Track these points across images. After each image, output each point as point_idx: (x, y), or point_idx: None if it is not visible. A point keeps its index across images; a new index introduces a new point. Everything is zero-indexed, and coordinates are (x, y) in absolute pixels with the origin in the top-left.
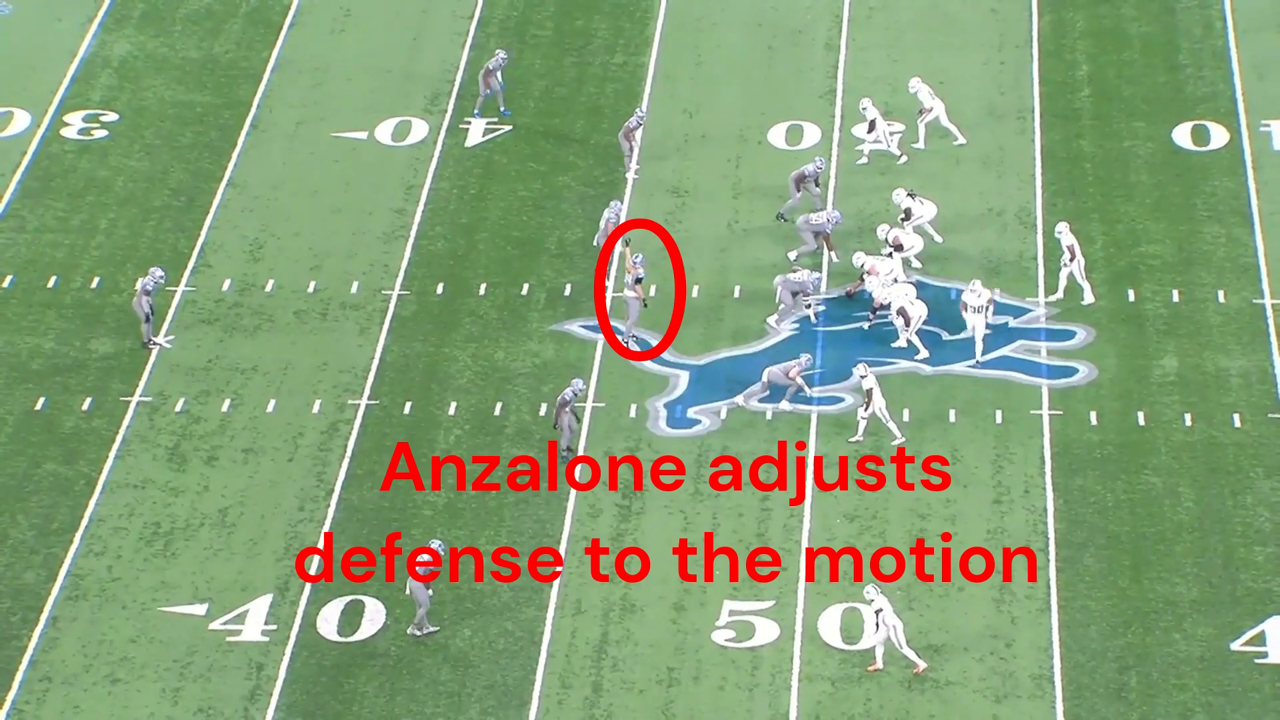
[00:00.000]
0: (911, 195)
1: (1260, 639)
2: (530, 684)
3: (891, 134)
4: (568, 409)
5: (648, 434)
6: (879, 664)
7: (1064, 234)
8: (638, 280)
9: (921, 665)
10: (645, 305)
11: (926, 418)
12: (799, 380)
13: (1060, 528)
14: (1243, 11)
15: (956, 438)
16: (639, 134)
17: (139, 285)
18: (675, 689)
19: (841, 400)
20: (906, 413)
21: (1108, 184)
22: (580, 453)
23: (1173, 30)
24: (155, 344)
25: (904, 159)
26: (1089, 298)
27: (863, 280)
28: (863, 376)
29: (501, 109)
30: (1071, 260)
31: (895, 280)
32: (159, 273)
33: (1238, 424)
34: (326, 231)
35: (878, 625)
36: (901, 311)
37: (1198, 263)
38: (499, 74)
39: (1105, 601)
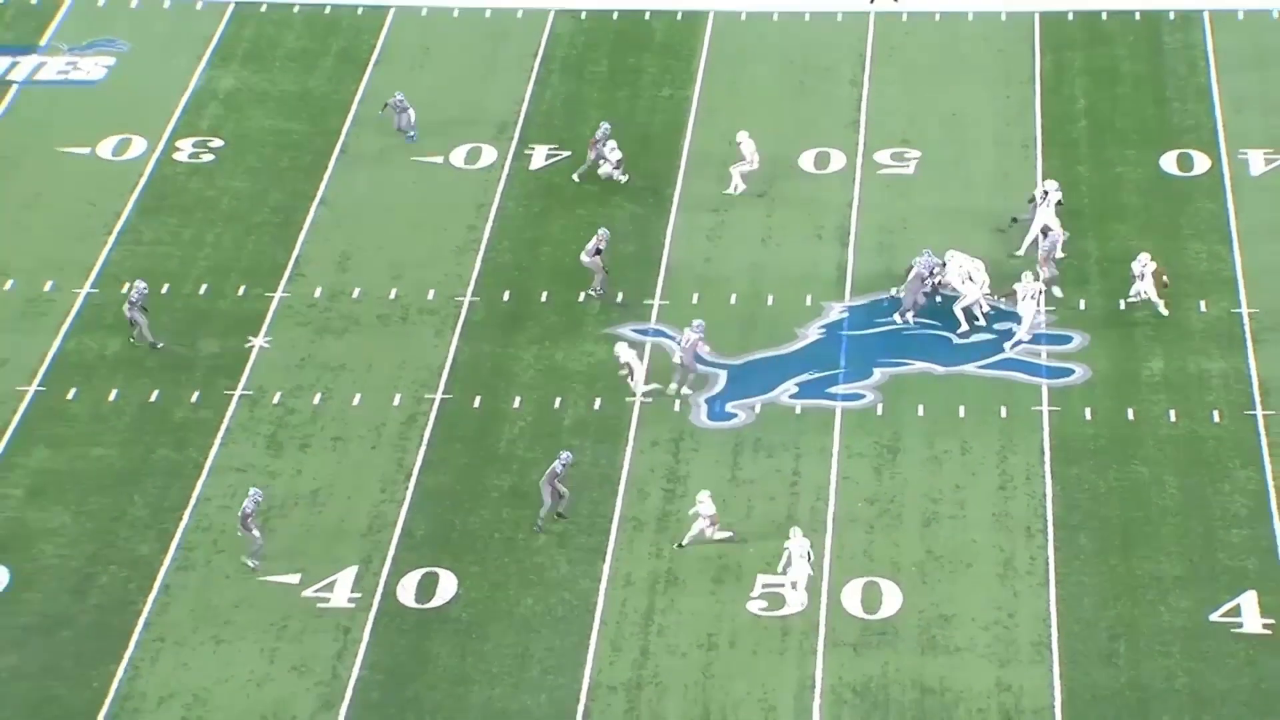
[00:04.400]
0: (1044, 196)
1: (1236, 611)
2: (585, 647)
3: (746, 170)
4: (557, 480)
5: (690, 425)
6: (804, 599)
7: (1141, 263)
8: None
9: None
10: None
11: (939, 413)
12: (691, 356)
13: (1058, 511)
14: (1223, 52)
15: (966, 431)
16: (605, 146)
17: (129, 297)
18: (714, 653)
19: (863, 397)
20: (921, 408)
21: (1102, 205)
22: (630, 442)
23: (1160, 69)
24: (137, 342)
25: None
26: (1161, 310)
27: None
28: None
29: (620, 176)
30: (1139, 280)
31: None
32: (142, 285)
33: (1217, 420)
34: (406, 245)
35: (808, 559)
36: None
37: (1182, 276)
38: (604, 144)
39: (1097, 577)
